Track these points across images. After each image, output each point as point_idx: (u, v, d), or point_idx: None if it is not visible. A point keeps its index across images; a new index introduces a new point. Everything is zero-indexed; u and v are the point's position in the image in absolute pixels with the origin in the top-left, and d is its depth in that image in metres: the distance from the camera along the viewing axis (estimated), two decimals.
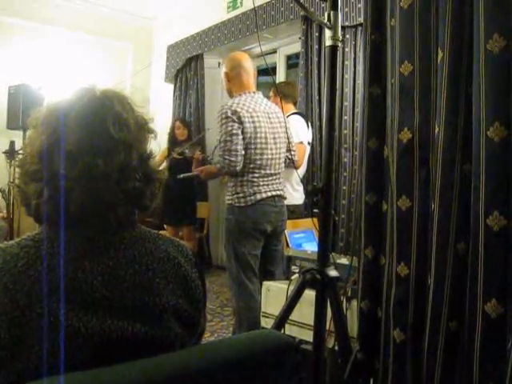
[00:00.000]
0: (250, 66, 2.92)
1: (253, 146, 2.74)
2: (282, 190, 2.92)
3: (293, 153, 3.01)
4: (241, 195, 2.75)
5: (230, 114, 2.69)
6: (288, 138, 2.97)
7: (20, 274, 0.80)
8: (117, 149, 0.90)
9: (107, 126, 0.90)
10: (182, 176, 3.60)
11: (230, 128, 2.68)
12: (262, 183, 2.78)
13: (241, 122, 2.69)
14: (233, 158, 2.67)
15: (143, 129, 0.97)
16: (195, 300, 0.96)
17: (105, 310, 0.82)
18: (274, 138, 2.84)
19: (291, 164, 3.01)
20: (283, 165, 2.95)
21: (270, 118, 2.85)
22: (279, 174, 2.90)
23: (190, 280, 0.95)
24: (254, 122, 2.74)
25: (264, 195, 2.77)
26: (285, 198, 2.96)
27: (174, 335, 0.89)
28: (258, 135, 2.76)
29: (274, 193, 2.83)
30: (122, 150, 0.90)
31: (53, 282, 0.80)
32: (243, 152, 2.70)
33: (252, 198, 2.75)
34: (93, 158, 0.87)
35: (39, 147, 0.89)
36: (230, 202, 2.80)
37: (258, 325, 2.70)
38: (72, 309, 0.80)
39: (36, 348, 0.77)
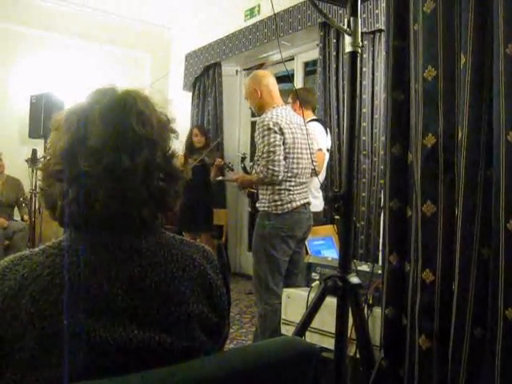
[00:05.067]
0: (275, 82, 3.07)
1: (291, 156, 2.86)
2: (308, 197, 3.05)
3: (315, 163, 3.10)
4: (278, 203, 2.85)
5: (272, 126, 2.79)
6: (310, 148, 3.03)
7: (46, 284, 0.79)
8: (141, 145, 0.89)
9: (131, 122, 0.89)
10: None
11: (272, 139, 2.78)
12: (296, 191, 2.90)
13: (282, 133, 2.81)
14: (276, 168, 2.77)
15: (166, 127, 0.96)
16: (220, 308, 0.94)
17: (131, 319, 0.81)
18: (306, 149, 2.96)
19: (315, 172, 3.11)
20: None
21: (302, 129, 2.96)
22: (307, 182, 3.04)
23: (216, 287, 0.94)
24: (292, 132, 2.87)
25: (298, 203, 2.89)
26: (310, 204, 3.07)
27: (199, 344, 0.87)
28: (296, 145, 2.88)
29: (304, 200, 2.95)
30: (146, 146, 0.89)
31: (79, 291, 0.79)
32: (284, 162, 2.81)
33: (289, 205, 2.85)
34: (117, 155, 0.86)
35: (62, 146, 0.88)
36: (266, 209, 2.88)
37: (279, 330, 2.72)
38: (98, 319, 0.78)
39: (63, 358, 0.76)
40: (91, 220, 0.87)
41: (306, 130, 2.97)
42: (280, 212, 2.84)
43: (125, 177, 0.87)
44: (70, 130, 0.88)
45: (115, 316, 0.80)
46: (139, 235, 0.90)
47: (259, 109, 3.02)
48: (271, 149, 2.77)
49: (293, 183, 2.88)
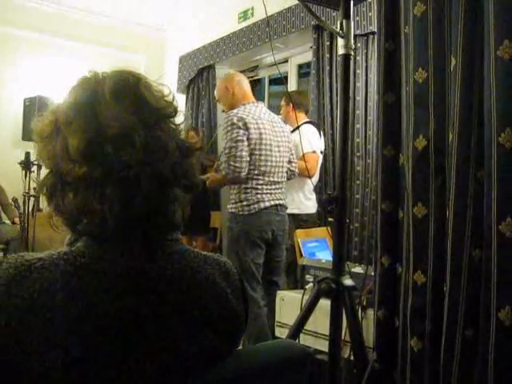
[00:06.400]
0: (248, 82, 3.02)
1: (257, 152, 2.76)
2: (284, 199, 2.93)
3: (294, 165, 3.04)
4: (244, 203, 2.75)
5: (235, 121, 2.71)
6: (291, 149, 3.00)
7: (59, 311, 0.69)
8: (160, 119, 0.81)
9: (144, 96, 0.81)
10: None
11: (235, 134, 2.70)
12: (265, 191, 2.79)
13: (247, 129, 2.72)
14: (237, 164, 2.68)
15: (168, 101, 0.87)
16: (236, 339, 0.88)
17: (145, 353, 0.74)
18: (278, 146, 2.86)
19: (294, 173, 3.05)
20: (285, 174, 2.96)
21: (273, 126, 2.87)
22: (282, 183, 2.92)
23: (235, 317, 0.86)
24: (259, 128, 2.77)
25: (267, 204, 2.78)
26: (286, 208, 2.97)
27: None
28: (263, 141, 2.78)
29: (277, 202, 2.84)
30: (163, 120, 0.82)
31: (94, 322, 0.71)
32: (248, 158, 2.72)
33: (256, 206, 2.75)
34: (148, 132, 0.77)
35: (78, 146, 0.75)
36: (233, 210, 2.81)
37: (265, 332, 2.70)
38: (114, 352, 0.72)
39: None
40: (129, 215, 0.76)
41: (295, 132, 2.94)
42: (247, 213, 2.74)
43: (163, 155, 0.78)
44: (77, 124, 0.77)
45: (131, 348, 0.73)
46: (166, 241, 0.82)
47: (231, 108, 2.90)
48: (233, 144, 2.68)
49: (260, 181, 2.77)
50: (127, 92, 0.80)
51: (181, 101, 6.07)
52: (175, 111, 0.86)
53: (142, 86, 0.82)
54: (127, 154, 0.75)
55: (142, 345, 0.74)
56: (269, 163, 2.80)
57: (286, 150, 2.93)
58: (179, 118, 0.88)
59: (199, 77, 5.78)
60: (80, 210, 0.76)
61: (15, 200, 4.72)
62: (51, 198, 0.80)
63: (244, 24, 5.09)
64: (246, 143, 2.70)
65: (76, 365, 0.69)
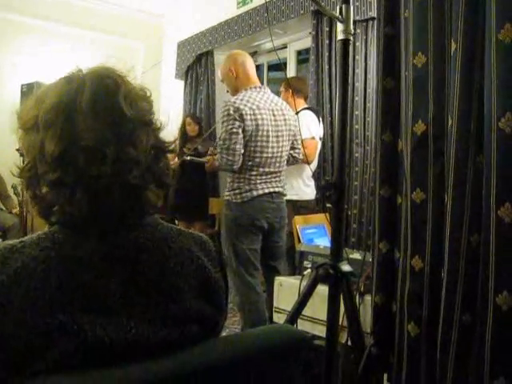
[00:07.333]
0: (252, 62, 2.94)
1: (253, 144, 2.73)
2: (281, 187, 2.90)
3: (297, 151, 2.99)
4: (237, 191, 2.75)
5: (232, 112, 2.68)
6: (294, 136, 2.96)
7: (40, 281, 0.74)
8: (137, 130, 0.84)
9: (121, 107, 0.83)
10: (189, 158, 3.66)
11: (230, 126, 2.67)
12: (259, 181, 2.77)
13: (242, 120, 2.68)
14: (230, 157, 2.67)
15: (147, 100, 0.90)
16: (218, 304, 0.92)
17: (128, 316, 0.78)
18: (277, 137, 2.82)
19: (297, 160, 3.02)
20: (285, 163, 2.93)
21: (274, 115, 2.82)
22: (280, 172, 2.89)
23: (214, 282, 0.91)
24: (256, 119, 2.73)
25: (261, 192, 2.77)
26: (284, 195, 2.95)
27: (196, 339, 0.85)
28: (260, 133, 2.74)
29: (271, 189, 2.82)
30: (140, 129, 0.85)
31: (74, 288, 0.76)
32: (242, 151, 2.70)
33: (248, 194, 2.74)
34: (120, 147, 0.81)
35: (53, 152, 0.80)
36: (227, 197, 2.81)
37: (262, 318, 2.71)
38: (94, 316, 0.75)
39: (55, 356, 0.72)
40: (102, 216, 0.82)
41: (293, 119, 2.85)
42: (239, 201, 2.74)
43: (132, 167, 0.82)
44: (54, 129, 0.81)
45: (112, 314, 0.77)
46: (137, 225, 0.86)
47: (235, 90, 2.87)
48: (227, 136, 2.66)
49: (254, 172, 2.75)
50: (105, 103, 0.83)
51: (179, 87, 6.04)
52: (149, 114, 0.89)
53: (120, 96, 0.84)
54: (96, 169, 0.79)
55: (123, 311, 0.78)
56: (264, 155, 2.77)
57: (286, 139, 2.89)
58: (157, 122, 0.91)
59: (198, 63, 5.75)
60: (52, 205, 0.82)
61: (15, 187, 4.72)
62: (28, 188, 0.86)
63: (243, 9, 5.05)
64: (240, 136, 2.68)
65: (60, 330, 0.73)
